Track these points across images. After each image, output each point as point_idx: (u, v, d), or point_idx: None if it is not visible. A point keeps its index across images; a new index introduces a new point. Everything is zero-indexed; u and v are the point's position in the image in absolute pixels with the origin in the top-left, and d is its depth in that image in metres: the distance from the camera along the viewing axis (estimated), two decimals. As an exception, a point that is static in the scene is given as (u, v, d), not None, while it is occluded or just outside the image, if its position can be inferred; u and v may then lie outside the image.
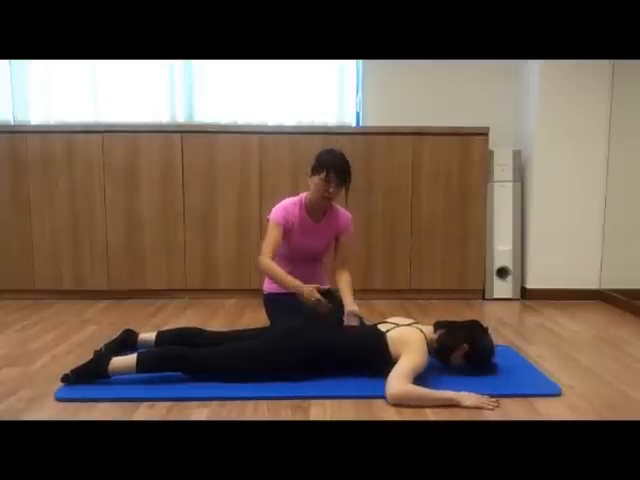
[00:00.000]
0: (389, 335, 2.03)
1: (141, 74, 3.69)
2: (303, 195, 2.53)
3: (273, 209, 2.49)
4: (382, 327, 2.11)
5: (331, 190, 2.39)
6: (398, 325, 2.11)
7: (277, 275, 2.35)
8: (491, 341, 2.12)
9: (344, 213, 2.61)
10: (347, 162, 2.41)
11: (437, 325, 2.13)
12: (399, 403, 1.81)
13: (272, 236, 2.41)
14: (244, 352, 2.01)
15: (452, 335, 2.07)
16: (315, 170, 2.40)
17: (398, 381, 1.83)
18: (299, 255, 2.53)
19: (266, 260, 2.37)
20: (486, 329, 2.13)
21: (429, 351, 2.03)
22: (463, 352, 2.05)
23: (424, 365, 1.94)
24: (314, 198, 2.45)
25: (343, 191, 2.46)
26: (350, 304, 2.39)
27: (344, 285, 2.50)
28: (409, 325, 2.12)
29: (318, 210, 2.51)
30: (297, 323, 2.17)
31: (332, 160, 2.37)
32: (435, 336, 2.09)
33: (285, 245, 2.51)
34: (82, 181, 3.44)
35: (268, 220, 2.48)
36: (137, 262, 3.50)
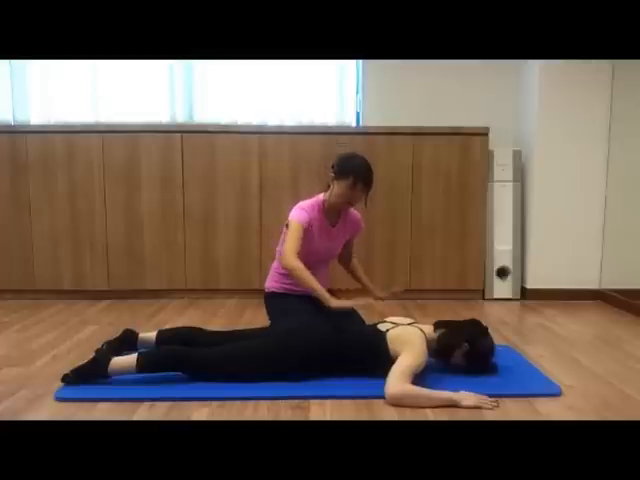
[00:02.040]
0: (389, 334, 2.03)
1: (141, 74, 3.69)
2: (321, 198, 2.48)
3: (294, 211, 2.42)
4: (382, 326, 2.11)
5: (356, 197, 2.38)
6: (398, 324, 2.11)
7: (305, 278, 2.28)
8: (491, 341, 2.12)
9: (355, 214, 2.59)
10: (370, 167, 2.38)
11: (437, 325, 2.13)
12: (397, 403, 1.81)
13: (297, 238, 2.34)
14: (244, 352, 2.00)
15: (452, 335, 2.07)
16: (342, 176, 2.34)
17: (397, 381, 1.83)
18: (312, 258, 2.48)
19: (295, 261, 2.29)
20: (486, 328, 2.13)
21: (429, 351, 2.03)
22: (464, 352, 2.05)
23: (423, 364, 1.94)
24: (336, 202, 2.40)
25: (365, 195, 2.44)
26: (377, 290, 2.61)
27: (363, 274, 2.70)
28: (409, 324, 2.12)
29: (335, 213, 2.49)
30: (297, 323, 2.17)
31: (361, 170, 2.33)
32: (435, 336, 2.08)
33: (302, 248, 2.47)
34: (82, 181, 3.45)
35: (287, 223, 2.39)
36: (137, 262, 3.50)
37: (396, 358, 1.94)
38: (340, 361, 2.03)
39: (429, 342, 2.04)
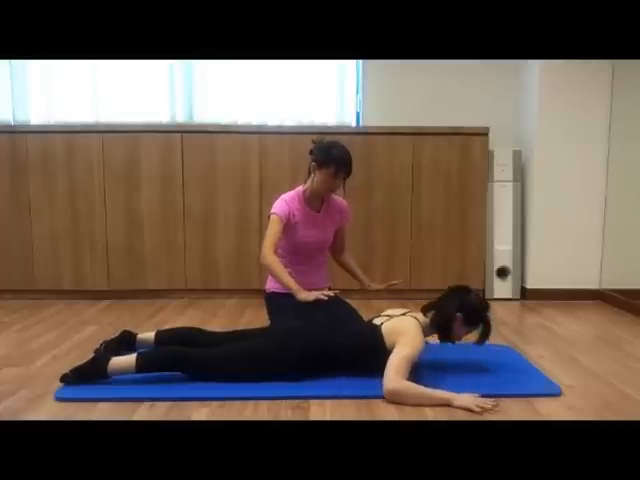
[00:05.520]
0: (383, 327, 2.04)
1: (141, 74, 3.69)
2: (300, 189, 2.55)
3: (275, 203, 2.50)
4: (377, 321, 2.11)
5: (337, 184, 2.45)
6: (392, 316, 2.11)
7: (278, 272, 2.35)
8: (478, 296, 2.09)
9: (341, 200, 2.65)
10: (350, 156, 2.45)
11: (425, 310, 2.12)
12: (395, 399, 1.82)
13: (273, 231, 2.41)
14: (244, 352, 2.00)
15: (442, 312, 2.06)
16: (323, 164, 2.40)
17: (394, 375, 1.84)
18: (304, 251, 2.53)
19: (270, 256, 2.36)
20: (466, 287, 2.11)
21: (427, 336, 2.04)
22: (460, 321, 2.03)
23: (420, 351, 1.94)
24: (318, 189, 2.47)
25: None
26: (372, 283, 2.66)
27: (356, 266, 2.73)
28: (403, 314, 2.12)
29: (317, 200, 2.55)
30: (297, 323, 2.17)
31: (341, 157, 2.40)
32: (427, 320, 2.08)
33: (290, 241, 2.51)
34: (82, 181, 3.45)
35: (270, 215, 2.46)
36: (137, 262, 3.50)
37: (392, 348, 1.94)
38: (339, 360, 2.03)
39: (425, 328, 2.04)
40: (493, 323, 2.08)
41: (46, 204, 3.45)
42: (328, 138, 2.50)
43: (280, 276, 2.35)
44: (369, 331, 2.07)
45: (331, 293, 2.25)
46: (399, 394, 1.82)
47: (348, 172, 2.44)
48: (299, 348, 2.00)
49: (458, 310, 2.03)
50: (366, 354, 2.02)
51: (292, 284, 2.31)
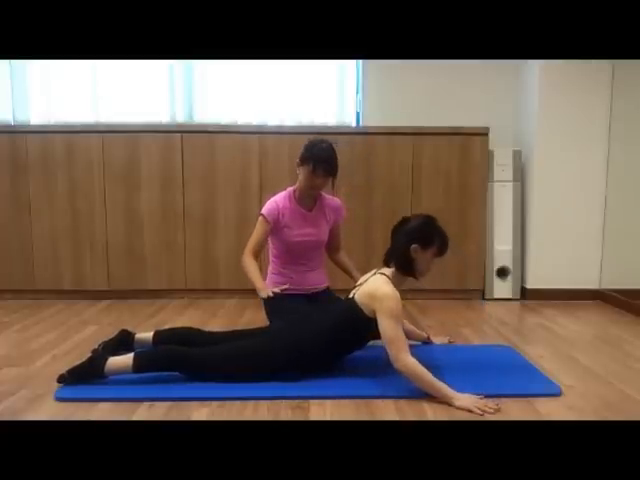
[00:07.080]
0: (356, 297, 2.03)
1: (141, 74, 3.69)
2: (291, 188, 2.59)
3: (266, 203, 2.56)
4: (351, 294, 2.10)
5: (318, 182, 2.46)
6: (362, 283, 2.10)
7: (249, 273, 2.46)
8: (417, 216, 2.09)
9: (333, 199, 2.67)
10: (334, 153, 2.45)
11: (386, 261, 2.11)
12: (405, 375, 1.86)
13: (257, 233, 2.51)
14: (241, 352, 2.00)
15: (400, 253, 2.05)
16: (304, 161, 2.45)
17: (397, 354, 1.86)
18: (299, 250, 2.55)
19: (246, 259, 2.48)
20: (404, 218, 2.11)
21: (400, 285, 2.03)
22: (419, 250, 2.02)
23: (398, 303, 1.93)
24: (302, 187, 2.51)
25: (330, 181, 2.51)
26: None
27: (351, 266, 2.71)
28: (372, 275, 2.10)
29: (309, 198, 2.57)
30: (291, 322, 2.16)
31: (320, 153, 2.41)
32: (394, 269, 2.07)
33: (284, 241, 2.53)
34: (82, 181, 3.44)
35: (259, 215, 2.53)
36: (137, 262, 3.50)
37: (374, 314, 1.95)
38: (329, 345, 2.03)
39: (395, 279, 2.03)
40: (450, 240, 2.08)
41: (46, 204, 3.45)
42: (325, 138, 2.51)
43: (251, 277, 2.44)
44: (346, 305, 2.07)
45: (277, 290, 2.33)
46: (407, 373, 1.86)
47: (328, 170, 2.43)
48: (283, 348, 2.01)
49: (410, 242, 2.02)
50: (350, 329, 2.03)
51: (256, 281, 2.41)
